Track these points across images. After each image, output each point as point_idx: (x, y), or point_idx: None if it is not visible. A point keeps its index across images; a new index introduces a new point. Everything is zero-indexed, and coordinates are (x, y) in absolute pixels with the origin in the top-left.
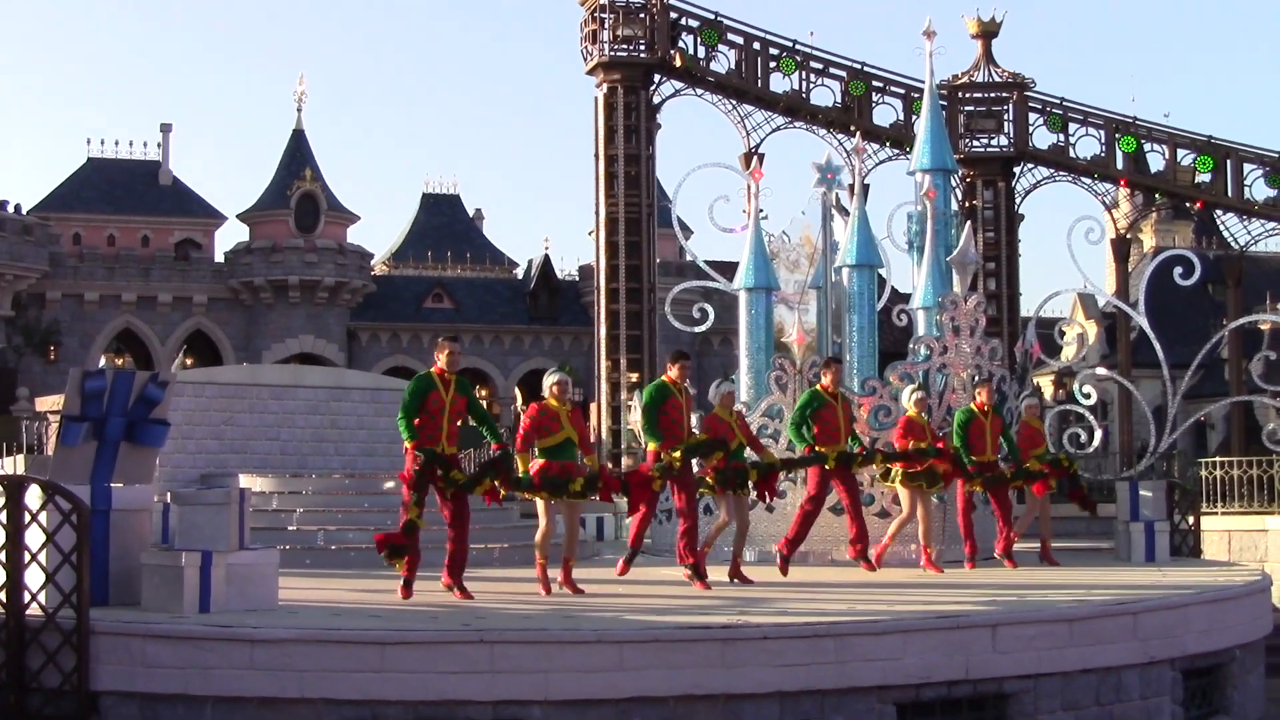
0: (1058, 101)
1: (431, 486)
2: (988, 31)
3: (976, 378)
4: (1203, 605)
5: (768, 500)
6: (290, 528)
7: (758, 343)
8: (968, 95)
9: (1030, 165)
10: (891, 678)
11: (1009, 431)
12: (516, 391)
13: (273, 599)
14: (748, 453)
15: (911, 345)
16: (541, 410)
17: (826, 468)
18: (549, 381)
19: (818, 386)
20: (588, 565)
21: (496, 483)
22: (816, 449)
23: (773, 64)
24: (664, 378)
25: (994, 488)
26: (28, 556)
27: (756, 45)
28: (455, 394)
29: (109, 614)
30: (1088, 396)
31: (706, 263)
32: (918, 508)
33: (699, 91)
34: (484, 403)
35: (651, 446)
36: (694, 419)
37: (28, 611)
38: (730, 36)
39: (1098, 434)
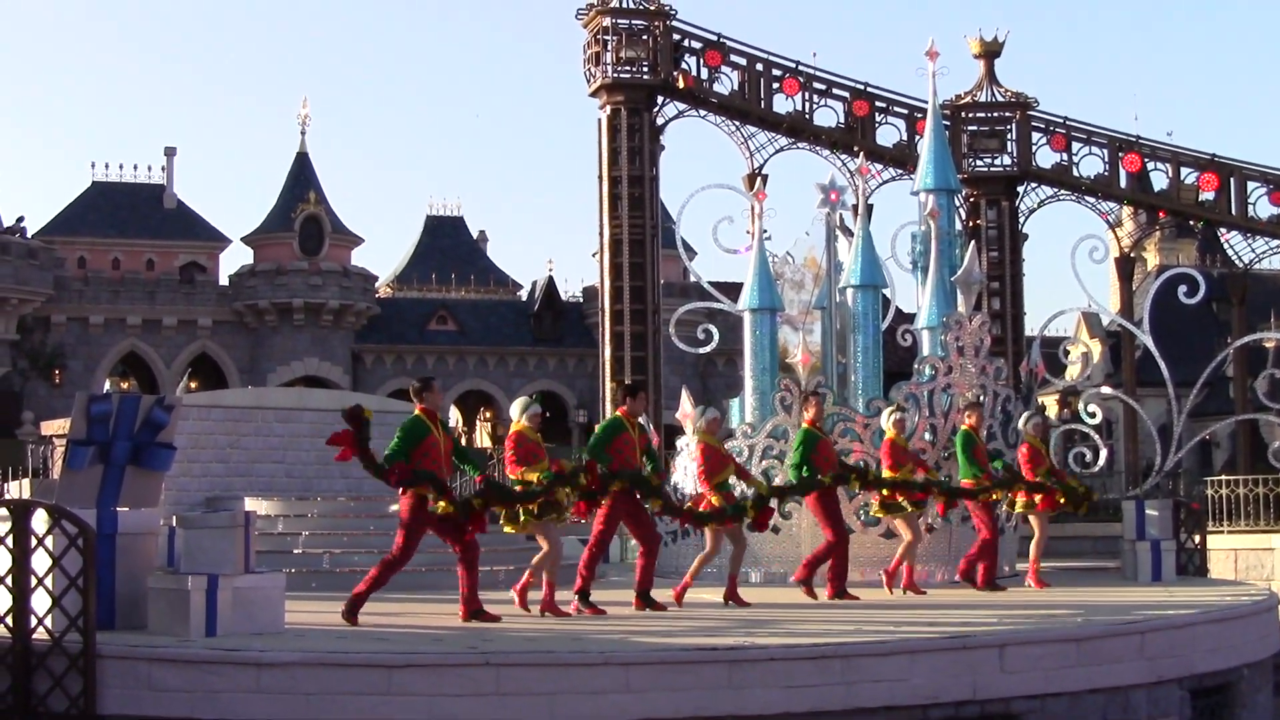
0: (1061, 121)
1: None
2: (990, 51)
3: (981, 398)
4: (1210, 624)
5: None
6: (296, 551)
7: (762, 364)
8: (971, 115)
9: (1034, 184)
10: (899, 698)
11: (998, 456)
12: None
13: (279, 622)
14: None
15: (916, 365)
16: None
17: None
18: (530, 412)
19: (805, 424)
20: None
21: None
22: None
23: (775, 85)
24: (618, 412)
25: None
26: (34, 580)
27: (759, 67)
28: (445, 435)
29: (115, 638)
30: (1093, 415)
31: (711, 284)
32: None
33: (702, 113)
34: (490, 424)
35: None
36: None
37: (34, 635)
38: (733, 58)
39: (1103, 453)
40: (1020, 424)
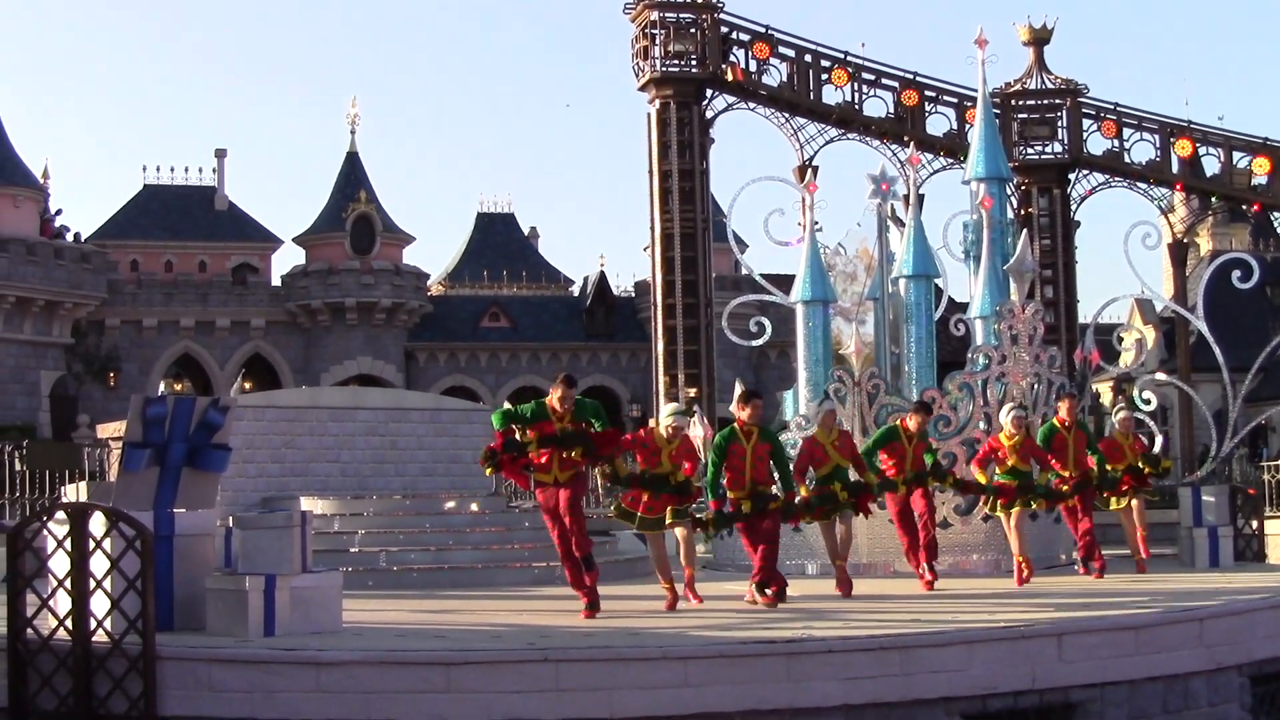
0: (1111, 107)
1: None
2: (1039, 38)
3: (1062, 389)
4: (1269, 610)
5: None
6: (352, 550)
7: (816, 355)
8: (1021, 103)
9: (1085, 171)
10: (958, 689)
11: (1095, 445)
12: None
13: (337, 621)
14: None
15: (970, 354)
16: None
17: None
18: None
19: (897, 424)
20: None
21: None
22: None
23: (825, 76)
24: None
25: (1082, 495)
26: (93, 583)
27: (808, 58)
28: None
29: (174, 639)
30: (1148, 402)
31: (762, 276)
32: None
33: (751, 105)
34: None
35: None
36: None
37: (94, 638)
38: (782, 49)
39: (1158, 439)
40: (1113, 420)
